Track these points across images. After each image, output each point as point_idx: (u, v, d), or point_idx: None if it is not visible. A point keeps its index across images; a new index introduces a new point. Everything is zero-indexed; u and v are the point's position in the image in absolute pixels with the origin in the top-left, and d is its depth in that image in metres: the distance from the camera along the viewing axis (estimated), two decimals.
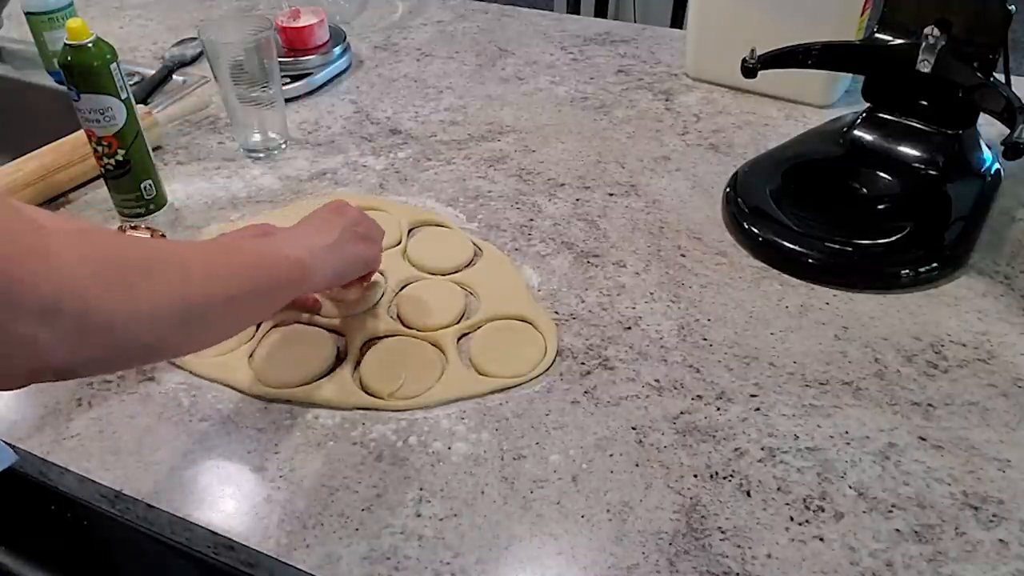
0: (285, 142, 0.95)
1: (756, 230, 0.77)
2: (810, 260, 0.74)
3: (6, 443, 0.60)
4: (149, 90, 1.04)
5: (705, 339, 0.68)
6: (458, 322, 0.70)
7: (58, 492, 0.62)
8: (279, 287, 0.56)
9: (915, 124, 0.82)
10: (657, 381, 0.64)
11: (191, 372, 0.66)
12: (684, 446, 0.59)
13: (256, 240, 0.63)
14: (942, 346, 0.66)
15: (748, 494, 0.55)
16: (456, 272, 0.75)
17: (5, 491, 0.68)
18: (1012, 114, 0.69)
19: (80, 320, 0.39)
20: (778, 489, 0.56)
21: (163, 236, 0.71)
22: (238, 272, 0.51)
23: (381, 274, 0.74)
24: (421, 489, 0.56)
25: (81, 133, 0.82)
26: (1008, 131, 0.67)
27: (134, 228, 0.77)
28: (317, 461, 0.59)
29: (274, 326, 0.70)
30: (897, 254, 0.74)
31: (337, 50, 1.09)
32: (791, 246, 0.75)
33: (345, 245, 0.63)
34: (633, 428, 0.60)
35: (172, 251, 0.48)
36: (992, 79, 0.75)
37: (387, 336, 0.68)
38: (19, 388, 0.41)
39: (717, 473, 0.57)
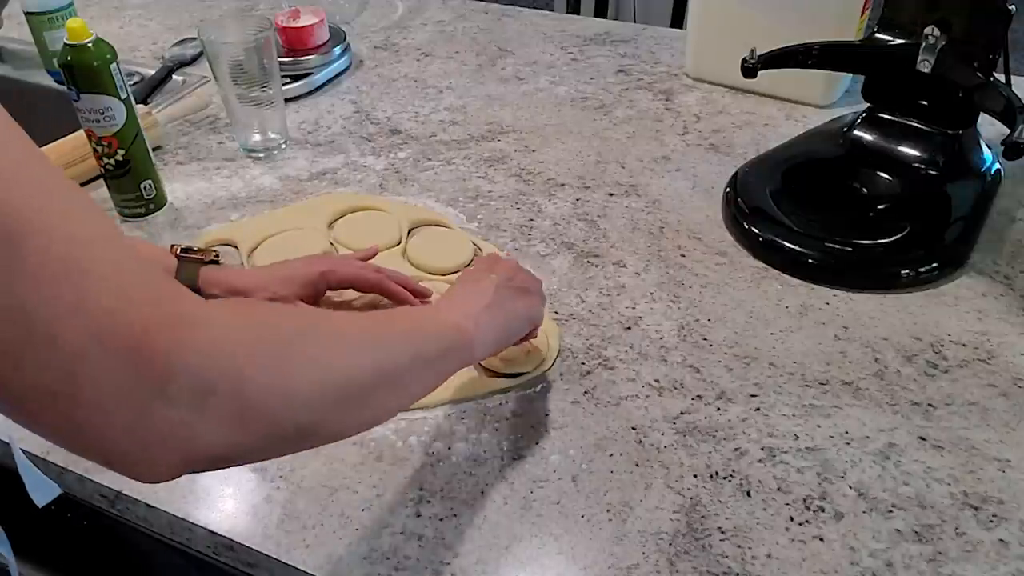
0: (285, 142, 0.95)
1: (756, 230, 0.77)
2: (810, 260, 0.74)
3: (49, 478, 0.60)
4: (149, 90, 1.04)
5: (705, 339, 0.68)
6: None
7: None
8: (442, 356, 0.50)
9: (915, 124, 0.82)
10: (657, 381, 0.64)
11: None
12: (684, 446, 0.59)
13: (408, 309, 0.59)
14: (942, 346, 0.66)
15: (748, 494, 0.55)
16: (456, 272, 0.75)
17: (5, 491, 0.68)
18: (1012, 114, 0.69)
19: (236, 402, 0.35)
20: (778, 489, 0.56)
21: (216, 257, 0.67)
22: (397, 341, 0.47)
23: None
24: (421, 489, 0.56)
25: (81, 133, 0.82)
26: (1008, 131, 0.67)
27: (188, 252, 0.67)
28: (317, 461, 0.59)
29: None
30: (897, 254, 0.74)
31: (337, 50, 1.09)
32: (791, 246, 0.75)
33: (504, 303, 0.57)
34: (633, 428, 0.60)
35: (326, 319, 0.45)
36: (992, 79, 0.75)
37: None
38: (171, 480, 0.35)
39: (717, 473, 0.57)
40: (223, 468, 0.37)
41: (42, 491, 0.57)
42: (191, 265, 0.65)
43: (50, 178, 0.32)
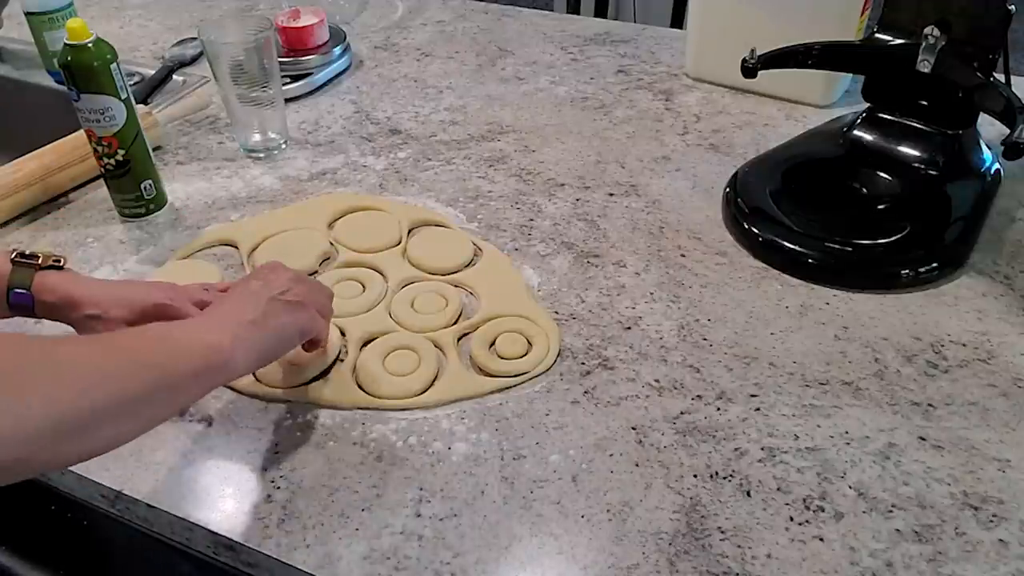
0: (285, 142, 0.95)
1: (756, 230, 0.77)
2: (810, 260, 0.74)
3: None
4: (149, 90, 1.04)
5: (705, 339, 0.68)
6: (458, 322, 0.70)
7: (58, 492, 0.62)
8: (193, 377, 0.50)
9: (915, 124, 0.82)
10: (657, 381, 0.64)
11: None
12: (684, 446, 0.59)
13: (163, 328, 0.54)
14: (942, 346, 0.66)
15: (748, 494, 0.55)
16: (456, 272, 0.75)
17: (5, 491, 0.68)
18: (1012, 114, 0.69)
19: None
20: (778, 489, 0.56)
21: (57, 262, 0.63)
22: (139, 369, 0.46)
23: (381, 274, 0.74)
24: (421, 489, 0.56)
25: (81, 133, 0.82)
26: (1008, 131, 0.67)
27: (24, 257, 0.62)
28: (317, 461, 0.59)
29: None
30: (897, 254, 0.74)
31: (337, 50, 1.09)
32: (791, 246, 0.75)
33: (270, 318, 0.55)
34: (633, 428, 0.60)
35: (46, 354, 0.43)
36: (992, 79, 0.75)
37: (387, 336, 0.68)
38: None
39: (717, 473, 0.57)
40: None
41: None
42: (24, 270, 0.61)
43: None
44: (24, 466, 0.41)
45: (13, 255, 0.62)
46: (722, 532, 0.53)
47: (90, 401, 0.43)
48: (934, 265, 0.73)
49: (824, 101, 0.99)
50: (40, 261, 0.62)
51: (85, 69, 0.74)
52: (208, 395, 0.63)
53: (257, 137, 0.93)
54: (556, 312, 0.71)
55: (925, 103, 0.81)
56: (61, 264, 0.63)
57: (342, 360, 0.67)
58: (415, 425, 0.61)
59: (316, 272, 0.76)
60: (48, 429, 0.40)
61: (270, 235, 0.79)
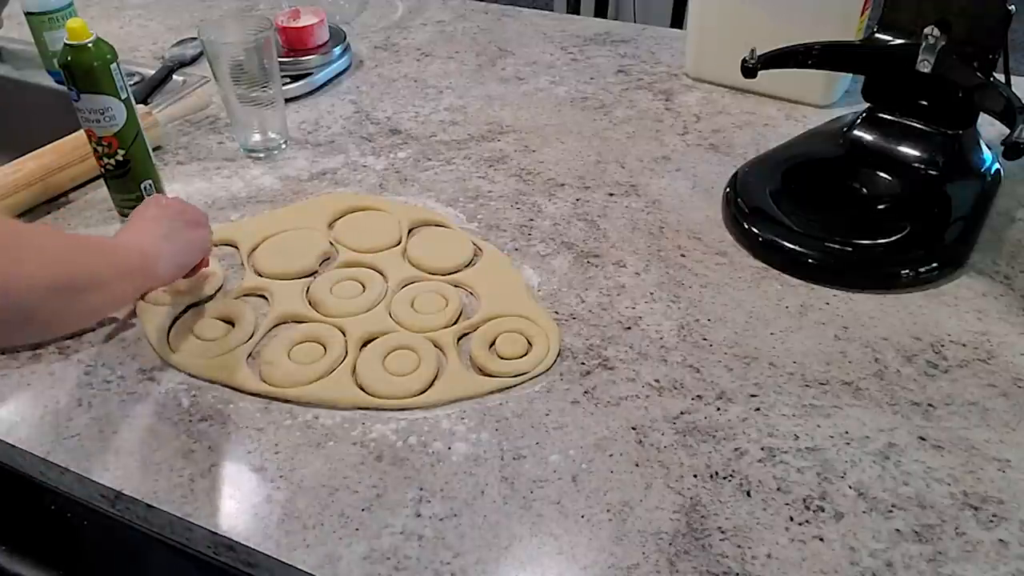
0: (285, 142, 0.95)
1: (756, 230, 0.77)
2: (810, 260, 0.74)
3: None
4: (149, 90, 1.04)
5: (705, 339, 0.68)
6: (458, 322, 0.70)
7: (58, 492, 0.62)
8: (129, 274, 0.61)
9: (915, 124, 0.82)
10: (657, 381, 0.64)
11: (191, 373, 0.66)
12: (684, 446, 0.59)
13: (95, 238, 0.66)
14: (942, 346, 0.66)
15: (748, 494, 0.56)
16: (456, 272, 0.75)
17: (5, 491, 0.68)
18: (1012, 114, 0.69)
19: None
20: (778, 489, 0.56)
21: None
22: (92, 257, 0.57)
23: (381, 274, 0.75)
24: (421, 489, 0.56)
25: (81, 133, 0.82)
26: (1008, 131, 0.67)
27: None
28: (317, 461, 0.59)
29: (274, 327, 0.70)
30: (897, 254, 0.74)
31: (337, 50, 1.09)
32: (791, 246, 0.75)
33: (178, 234, 0.66)
34: (633, 428, 0.60)
35: (31, 233, 0.53)
36: (992, 79, 0.75)
37: (387, 336, 0.68)
38: None
39: (717, 473, 0.57)
40: None
41: None
42: None
43: None
44: (29, 319, 0.51)
45: None
46: (722, 532, 0.53)
47: (70, 270, 0.53)
48: (934, 265, 0.73)
49: (824, 101, 0.99)
50: None
51: (85, 69, 0.74)
52: (209, 394, 0.64)
53: (257, 137, 0.93)
54: (556, 312, 0.71)
55: (925, 103, 0.81)
56: None
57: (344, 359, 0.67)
58: (415, 425, 0.61)
59: (316, 272, 0.76)
60: (49, 286, 0.51)
61: (270, 235, 0.79)
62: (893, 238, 0.74)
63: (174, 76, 1.08)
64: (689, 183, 0.87)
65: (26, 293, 0.49)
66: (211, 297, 0.73)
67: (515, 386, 0.64)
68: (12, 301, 0.48)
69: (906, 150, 0.81)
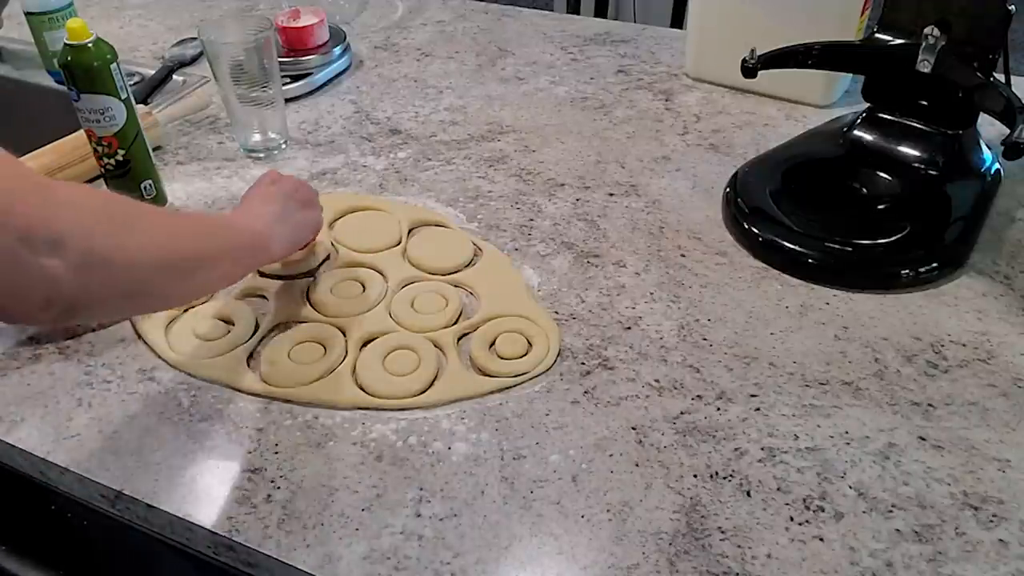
0: (285, 142, 0.95)
1: (756, 230, 0.77)
2: (810, 260, 0.74)
3: None
4: (149, 90, 1.04)
5: (705, 339, 0.68)
6: (458, 322, 0.70)
7: (58, 492, 0.62)
8: (244, 253, 0.62)
9: (915, 124, 0.82)
10: (657, 381, 0.64)
11: (191, 373, 0.66)
12: (684, 446, 0.59)
13: (213, 216, 0.67)
14: (942, 346, 0.66)
15: (748, 494, 0.56)
16: (456, 272, 0.75)
17: (5, 491, 0.68)
18: (1012, 114, 0.69)
19: (85, 255, 0.43)
20: (778, 489, 0.56)
21: None
22: (209, 235, 0.58)
23: (381, 274, 0.75)
24: (421, 489, 0.56)
25: (81, 133, 0.82)
26: (1008, 131, 0.67)
27: None
28: (317, 461, 0.59)
29: (274, 327, 0.70)
30: (897, 254, 0.74)
31: (337, 50, 1.09)
32: (791, 246, 0.75)
33: (292, 214, 0.68)
34: (633, 428, 0.60)
35: (149, 210, 0.54)
36: (992, 79, 0.75)
37: (387, 336, 0.68)
38: (41, 324, 0.49)
39: (717, 473, 0.57)
40: (83, 320, 0.50)
41: None
42: None
43: None
44: (146, 293, 0.51)
45: None
46: (722, 532, 0.53)
47: (180, 248, 0.53)
48: (934, 265, 0.73)
49: (824, 101, 0.99)
50: None
51: (85, 69, 0.74)
52: (209, 394, 0.64)
53: (257, 137, 0.93)
54: (556, 312, 0.71)
55: (925, 103, 0.81)
56: None
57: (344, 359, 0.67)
58: (415, 425, 0.61)
59: (315, 273, 0.76)
60: (163, 262, 0.51)
61: None
62: (893, 238, 0.74)
63: (174, 76, 1.08)
64: (689, 183, 0.87)
65: (135, 269, 0.48)
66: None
67: (515, 386, 0.64)
68: (121, 275, 0.48)
69: (906, 150, 0.81)
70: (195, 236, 0.56)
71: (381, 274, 0.75)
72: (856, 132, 0.84)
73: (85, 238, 0.44)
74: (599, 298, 0.72)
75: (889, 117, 0.83)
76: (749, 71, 0.82)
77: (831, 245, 0.74)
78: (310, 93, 1.06)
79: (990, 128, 0.80)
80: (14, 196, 0.40)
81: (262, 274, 0.74)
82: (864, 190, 0.81)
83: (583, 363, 0.66)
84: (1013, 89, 0.73)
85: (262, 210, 0.66)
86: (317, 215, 0.73)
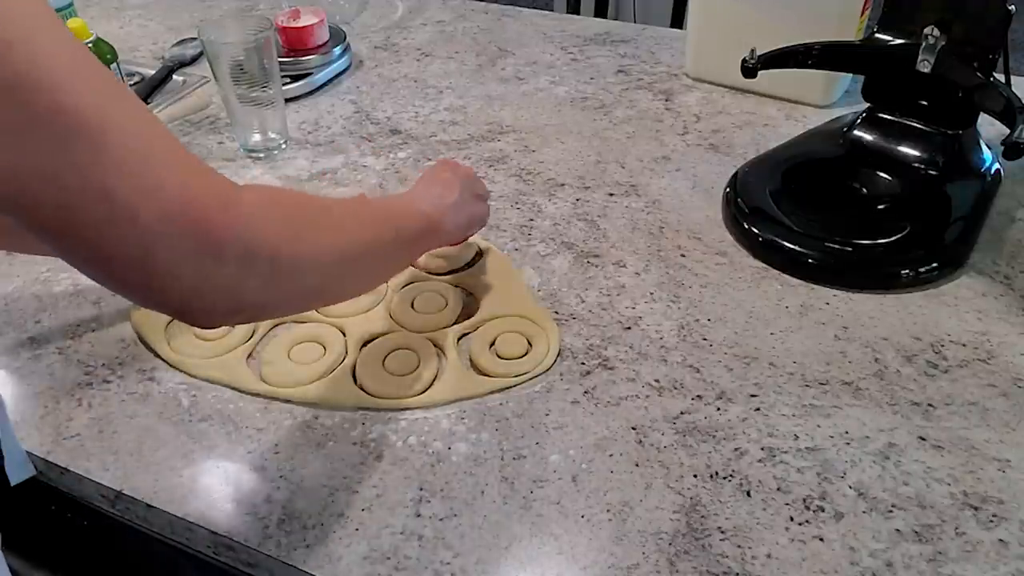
0: (285, 142, 0.95)
1: (756, 230, 0.77)
2: (810, 260, 0.74)
3: (28, 453, 0.59)
4: (149, 90, 1.04)
5: (705, 339, 0.68)
6: (458, 322, 0.70)
7: (58, 492, 0.62)
8: (415, 239, 0.61)
9: (915, 124, 0.82)
10: (657, 381, 0.64)
11: (191, 373, 0.66)
12: (684, 446, 0.59)
13: (389, 198, 0.66)
14: (942, 346, 0.66)
15: (748, 494, 0.56)
16: (456, 272, 0.75)
17: (6, 491, 0.68)
18: (1012, 114, 0.69)
19: (272, 265, 0.44)
20: (778, 489, 0.56)
21: None
22: (381, 225, 0.56)
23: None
24: (421, 489, 0.56)
25: None
26: (1008, 131, 0.67)
27: None
28: (317, 461, 0.59)
29: (274, 327, 0.70)
30: (897, 254, 0.74)
31: (337, 50, 1.09)
32: (791, 246, 0.75)
33: (466, 204, 0.67)
34: (633, 428, 0.60)
35: (329, 206, 0.53)
36: (992, 79, 0.75)
37: (387, 336, 0.68)
38: (217, 327, 0.50)
39: (717, 473, 0.57)
40: (262, 318, 0.51)
41: (17, 469, 0.58)
42: None
43: (110, 80, 0.38)
44: (321, 294, 0.52)
45: None
46: (722, 532, 0.53)
47: (367, 244, 0.53)
48: (934, 265, 0.73)
49: (824, 101, 0.99)
50: None
51: None
52: (209, 394, 0.64)
53: (257, 137, 0.93)
54: (556, 312, 0.71)
55: (925, 103, 0.81)
56: None
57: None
58: (415, 425, 0.61)
59: (471, 265, 0.76)
60: (339, 261, 0.50)
61: None
62: (893, 238, 0.74)
63: (174, 76, 1.08)
64: (689, 183, 0.87)
65: (319, 270, 0.48)
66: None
67: (515, 386, 0.64)
68: (307, 279, 0.48)
69: (906, 150, 0.81)
70: (374, 228, 0.55)
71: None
72: (856, 132, 0.84)
73: (273, 249, 0.43)
74: (599, 298, 0.72)
75: (889, 117, 0.83)
76: (749, 71, 0.82)
77: (831, 245, 0.74)
78: (310, 93, 1.06)
79: (990, 128, 0.80)
80: (205, 209, 0.39)
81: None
82: (864, 190, 0.81)
83: (583, 363, 0.66)
84: (1013, 89, 0.73)
85: (437, 194, 0.65)
86: (486, 210, 0.72)
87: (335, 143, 0.96)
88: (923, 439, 0.59)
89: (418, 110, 1.02)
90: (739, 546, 0.52)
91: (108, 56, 0.75)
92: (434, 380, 0.64)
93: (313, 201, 0.53)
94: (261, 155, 0.93)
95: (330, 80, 1.09)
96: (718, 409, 0.62)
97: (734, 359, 0.66)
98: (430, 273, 0.75)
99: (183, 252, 0.39)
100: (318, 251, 0.48)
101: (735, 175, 0.84)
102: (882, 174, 0.81)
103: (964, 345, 0.66)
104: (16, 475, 0.58)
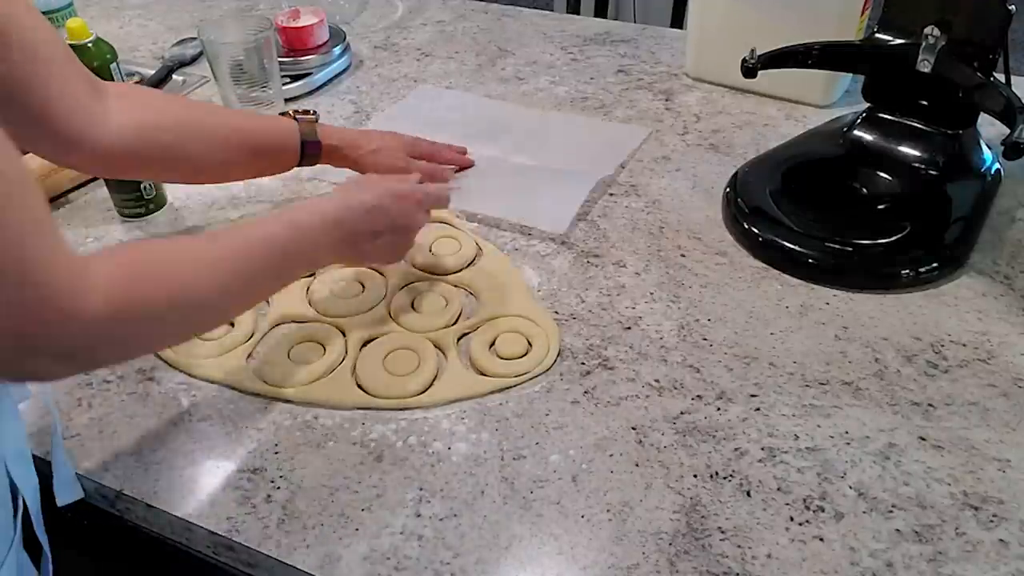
0: None
1: (756, 230, 0.77)
2: (810, 260, 0.74)
3: (78, 475, 0.59)
4: None
5: (705, 339, 0.68)
6: (457, 322, 0.70)
7: None
8: (300, 268, 0.62)
9: (915, 124, 0.82)
10: (657, 381, 0.64)
11: (191, 373, 0.66)
12: (684, 446, 0.59)
13: (300, 224, 0.59)
14: (942, 346, 0.66)
15: (748, 494, 0.55)
16: (456, 272, 0.75)
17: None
18: (1012, 114, 0.69)
19: (85, 364, 0.49)
20: (778, 489, 0.56)
21: (316, 113, 0.79)
22: (254, 267, 0.55)
23: (381, 274, 0.75)
24: (421, 489, 0.56)
25: None
26: (1008, 131, 0.67)
27: (299, 113, 0.78)
28: (317, 461, 0.59)
29: (274, 327, 0.70)
30: (897, 254, 0.74)
31: (337, 50, 1.09)
32: (791, 246, 0.75)
33: (367, 258, 0.69)
34: (633, 428, 0.60)
35: (187, 252, 0.52)
36: (992, 79, 0.75)
37: (387, 336, 0.68)
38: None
39: (717, 473, 0.57)
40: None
41: (66, 490, 0.59)
42: (309, 124, 0.77)
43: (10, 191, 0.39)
44: (163, 339, 0.55)
45: (290, 112, 0.78)
46: (722, 532, 0.53)
47: (216, 291, 0.52)
48: (934, 265, 0.73)
49: (824, 101, 0.99)
50: (312, 114, 0.78)
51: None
52: (209, 394, 0.64)
53: None
54: (556, 312, 0.71)
55: (925, 103, 0.81)
56: (317, 116, 0.79)
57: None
58: (415, 425, 0.61)
59: (315, 273, 0.75)
60: (178, 322, 0.51)
61: None
62: (893, 238, 0.74)
63: (174, 76, 1.08)
64: (689, 183, 0.87)
65: (143, 345, 0.52)
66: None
67: (515, 386, 0.64)
68: (128, 354, 0.53)
69: (906, 150, 0.81)
70: (255, 269, 0.55)
71: (381, 274, 0.75)
72: (856, 132, 0.84)
73: (91, 353, 0.46)
74: (599, 298, 0.72)
75: (889, 117, 0.83)
76: (749, 71, 0.82)
77: (831, 245, 0.74)
78: (310, 93, 1.06)
79: (990, 128, 0.80)
80: (28, 326, 0.41)
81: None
82: (864, 190, 0.81)
83: (583, 363, 0.66)
84: (1013, 89, 0.73)
85: (349, 232, 0.62)
86: (390, 259, 0.69)
87: None
88: (923, 439, 0.59)
89: None
90: (739, 546, 0.52)
91: (108, 56, 0.75)
92: (434, 380, 0.64)
93: (162, 285, 0.49)
94: None
95: (330, 80, 1.09)
96: (718, 409, 0.62)
97: (734, 359, 0.66)
98: (430, 273, 0.75)
99: (4, 347, 0.42)
100: (144, 337, 0.50)
101: (735, 175, 0.84)
102: (882, 174, 0.81)
103: (964, 345, 0.66)
104: (64, 496, 0.58)
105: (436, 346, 0.67)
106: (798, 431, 0.60)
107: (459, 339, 0.68)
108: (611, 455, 0.58)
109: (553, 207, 0.81)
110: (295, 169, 0.91)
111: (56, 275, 0.41)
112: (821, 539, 0.53)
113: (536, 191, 0.84)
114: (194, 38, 1.15)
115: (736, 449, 0.59)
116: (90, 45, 0.74)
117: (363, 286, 0.73)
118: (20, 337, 0.41)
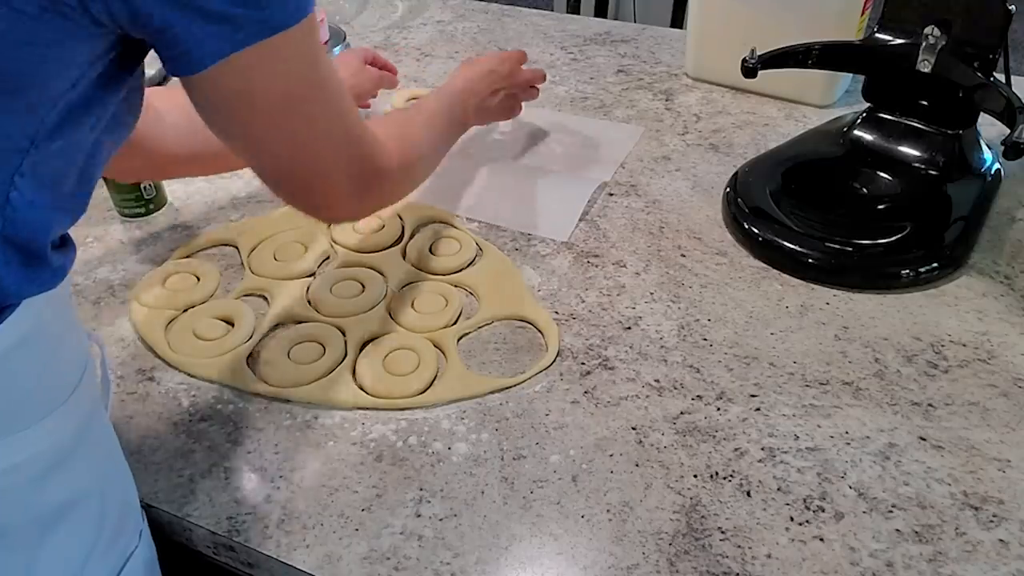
0: None
1: (756, 230, 0.77)
2: (810, 260, 0.74)
3: None
4: None
5: (705, 339, 0.68)
6: (457, 322, 0.70)
7: None
8: (455, 134, 0.78)
9: (915, 124, 0.82)
10: (657, 381, 0.64)
11: (191, 373, 0.66)
12: (684, 446, 0.59)
13: (438, 108, 0.75)
14: (942, 346, 0.66)
15: (748, 494, 0.55)
16: (456, 272, 0.75)
17: None
18: (1012, 114, 0.69)
19: (387, 202, 0.62)
20: (778, 489, 0.56)
21: None
22: (439, 134, 0.72)
23: (381, 274, 0.75)
24: (421, 489, 0.56)
25: None
26: (1008, 131, 0.67)
27: None
28: (317, 461, 0.59)
29: (274, 327, 0.70)
30: (897, 254, 0.74)
31: (337, 50, 1.08)
32: (791, 246, 0.75)
33: (488, 115, 0.86)
34: (633, 428, 0.60)
35: (413, 119, 0.69)
36: (992, 79, 0.75)
37: (387, 336, 0.68)
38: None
39: (717, 473, 0.57)
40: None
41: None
42: None
43: (330, 68, 0.51)
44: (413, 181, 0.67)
45: None
46: (722, 532, 0.53)
47: (434, 149, 0.71)
48: (934, 265, 0.73)
49: (824, 101, 0.99)
50: None
51: None
52: (209, 394, 0.64)
53: None
54: (556, 312, 0.71)
55: (925, 103, 0.81)
56: None
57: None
58: (415, 425, 0.61)
59: (315, 273, 0.76)
60: (425, 173, 0.69)
61: (270, 235, 0.79)
62: (893, 238, 0.74)
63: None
64: (689, 183, 0.87)
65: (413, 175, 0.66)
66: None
67: (515, 386, 0.64)
68: (424, 170, 0.68)
69: (906, 150, 0.81)
70: (437, 139, 0.71)
71: (381, 274, 0.75)
72: (856, 132, 0.84)
73: (395, 189, 0.61)
74: (599, 298, 0.72)
75: (889, 117, 0.83)
76: (749, 71, 0.82)
77: (831, 245, 0.74)
78: None
79: (990, 128, 0.80)
80: (364, 162, 0.55)
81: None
82: (864, 190, 0.81)
83: (583, 363, 0.66)
84: (1013, 89, 0.73)
85: (470, 95, 0.80)
86: (508, 114, 0.89)
87: None
88: (923, 439, 0.59)
89: None
90: (739, 546, 0.52)
91: None
92: (434, 380, 0.64)
93: (411, 126, 0.67)
94: None
95: None
96: (718, 409, 0.62)
97: (734, 359, 0.66)
98: (430, 273, 0.75)
99: (348, 186, 0.53)
100: (421, 178, 0.68)
101: (735, 175, 0.84)
102: (882, 174, 0.81)
103: (964, 345, 0.66)
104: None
105: (436, 346, 0.67)
106: (798, 431, 0.60)
107: (459, 339, 0.68)
108: (611, 455, 0.58)
109: (555, 215, 0.81)
110: None
111: (373, 143, 0.56)
112: (821, 539, 0.53)
113: (538, 198, 0.84)
114: None
115: (736, 449, 0.59)
116: None
117: (363, 286, 0.73)
118: (360, 180, 0.54)
